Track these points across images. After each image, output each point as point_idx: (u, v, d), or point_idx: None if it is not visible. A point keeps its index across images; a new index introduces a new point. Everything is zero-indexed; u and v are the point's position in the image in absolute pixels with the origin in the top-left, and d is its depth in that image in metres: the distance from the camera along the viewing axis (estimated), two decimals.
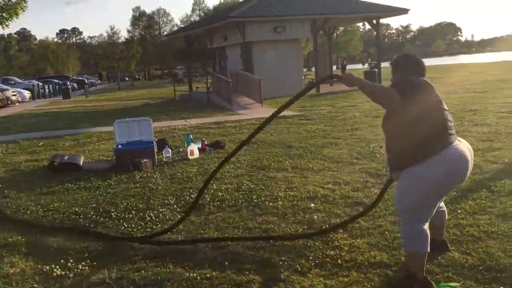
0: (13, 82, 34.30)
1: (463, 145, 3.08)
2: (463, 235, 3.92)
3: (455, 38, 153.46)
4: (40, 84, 35.16)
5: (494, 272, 3.25)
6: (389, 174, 3.37)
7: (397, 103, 2.92)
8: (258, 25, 19.84)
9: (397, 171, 3.15)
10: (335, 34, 71.31)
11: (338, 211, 4.68)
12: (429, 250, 3.09)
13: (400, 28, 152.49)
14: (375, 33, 24.30)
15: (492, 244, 3.69)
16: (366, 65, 68.59)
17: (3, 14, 13.91)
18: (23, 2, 15.06)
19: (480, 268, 3.33)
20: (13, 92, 26.28)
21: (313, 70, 32.39)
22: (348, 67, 39.40)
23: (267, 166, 6.76)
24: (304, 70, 40.71)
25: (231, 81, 17.01)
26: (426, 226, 3.10)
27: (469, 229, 4.02)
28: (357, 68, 57.91)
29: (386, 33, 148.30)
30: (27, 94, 29.70)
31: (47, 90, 35.03)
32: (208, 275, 3.49)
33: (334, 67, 40.93)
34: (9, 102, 24.63)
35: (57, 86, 36.44)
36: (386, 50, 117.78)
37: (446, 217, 3.64)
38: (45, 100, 30.43)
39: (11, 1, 14.76)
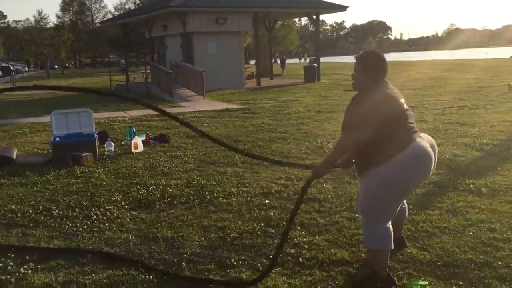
0: None
1: (425, 141, 3.10)
2: (417, 231, 3.98)
3: (385, 37, 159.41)
4: None
5: (451, 268, 3.32)
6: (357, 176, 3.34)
7: (369, 136, 2.90)
8: (199, 16, 19.49)
9: (362, 173, 3.12)
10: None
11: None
12: (392, 247, 3.09)
13: (335, 24, 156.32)
14: (311, 28, 24.77)
15: (446, 240, 3.78)
16: (302, 60, 69.66)
17: None
18: None
19: (438, 264, 3.39)
20: None
21: (252, 63, 32.44)
22: (286, 61, 39.77)
23: (217, 160, 6.61)
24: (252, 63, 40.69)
25: (172, 72, 16.59)
26: (389, 224, 3.10)
27: (423, 225, 4.10)
28: (293, 62, 58.76)
29: (322, 29, 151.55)
30: None
31: None
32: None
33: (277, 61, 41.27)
34: None
35: None
36: (322, 45, 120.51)
37: (407, 214, 3.68)
38: None
39: None
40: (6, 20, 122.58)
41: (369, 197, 3.06)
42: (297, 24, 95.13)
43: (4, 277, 3.34)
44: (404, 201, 3.58)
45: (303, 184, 3.51)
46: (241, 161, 6.53)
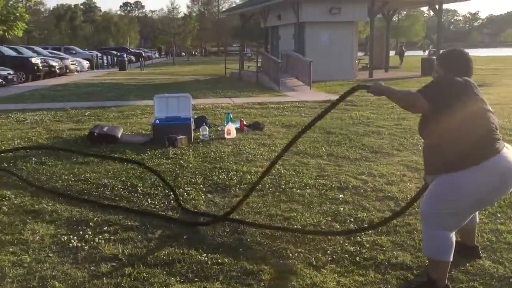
0: (74, 52, 35.38)
1: (510, 154, 2.78)
2: (498, 242, 3.61)
3: None
4: (99, 55, 36.18)
5: None
6: (424, 178, 3.12)
7: (424, 109, 2.74)
8: (313, 6, 19.35)
9: (432, 175, 2.90)
10: (396, 18, 69.02)
11: (367, 205, 4.45)
12: (451, 260, 2.84)
13: (468, 15, 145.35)
14: (443, 19, 23.11)
15: None
16: (427, 52, 66.03)
17: None
18: None
19: (511, 280, 3.05)
20: (73, 61, 27.16)
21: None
22: (407, 53, 37.95)
23: (303, 151, 6.57)
24: (361, 54, 39.65)
25: (280, 62, 16.73)
26: (453, 235, 2.84)
27: (507, 236, 3.71)
28: (416, 55, 55.84)
29: (452, 20, 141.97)
30: (85, 64, 30.65)
31: (105, 61, 35.99)
32: (219, 261, 3.40)
33: (393, 53, 39.65)
34: (67, 70, 25.48)
35: (115, 58, 37.31)
36: (451, 37, 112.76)
37: (477, 220, 3.35)
38: (102, 70, 31.27)
39: None
40: (143, 10, 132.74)
41: (434, 200, 2.83)
42: (425, 14, 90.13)
43: (80, 244, 3.67)
44: None
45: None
46: (327, 153, 6.42)
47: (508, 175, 2.74)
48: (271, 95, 14.08)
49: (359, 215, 4.20)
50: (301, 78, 16.98)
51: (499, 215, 4.14)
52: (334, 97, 13.02)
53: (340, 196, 4.72)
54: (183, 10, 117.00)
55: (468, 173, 2.69)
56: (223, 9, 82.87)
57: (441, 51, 3.08)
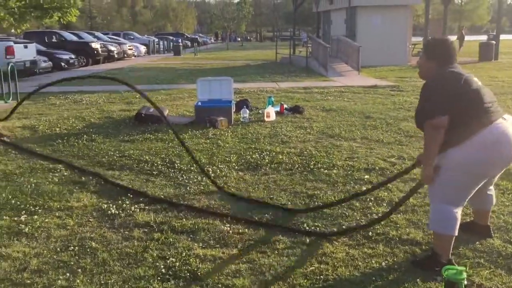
0: (132, 37, 36.65)
1: (507, 125, 2.87)
2: None
3: None
4: (156, 40, 37.27)
5: None
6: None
7: (446, 119, 2.81)
8: None
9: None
10: (459, 1, 66.11)
11: (390, 185, 4.56)
12: (455, 234, 2.96)
13: None
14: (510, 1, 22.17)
15: None
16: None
17: None
18: None
19: None
20: (130, 46, 28.22)
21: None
22: (470, 38, 36.44)
23: (337, 134, 6.70)
24: (418, 39, 38.49)
25: (329, 47, 16.69)
26: (458, 209, 2.96)
27: None
28: (478, 39, 53.49)
29: None
30: (142, 49, 31.73)
31: (161, 46, 37.06)
32: (240, 231, 3.67)
33: (454, 37, 38.15)
34: (125, 55, 26.53)
35: (171, 43, 38.32)
36: None
37: (493, 202, 3.41)
38: (158, 55, 32.24)
39: None
40: None
41: (440, 177, 2.96)
42: None
43: (117, 212, 4.05)
44: (491, 189, 3.34)
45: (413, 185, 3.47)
46: (361, 136, 6.53)
47: (501, 145, 2.82)
48: (318, 80, 14.14)
49: (380, 194, 4.34)
50: (350, 63, 16.89)
51: None
52: (382, 83, 12.95)
53: (366, 176, 4.86)
54: None
55: (461, 148, 2.82)
56: None
57: (427, 40, 3.20)
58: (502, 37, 21.62)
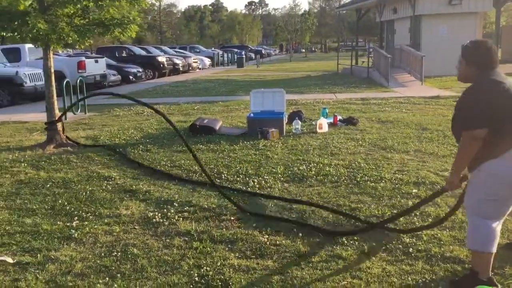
0: (198, 50, 37.82)
1: None
2: None
3: None
4: (220, 52, 38.16)
5: None
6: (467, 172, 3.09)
7: (485, 130, 2.72)
8: None
9: (473, 168, 2.90)
10: None
11: (439, 200, 4.39)
12: (494, 251, 2.82)
13: None
14: None
15: None
16: None
17: None
18: None
19: None
20: (195, 59, 29.10)
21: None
22: None
23: (390, 146, 6.54)
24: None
25: (390, 57, 16.31)
26: (496, 225, 2.81)
27: None
28: None
29: None
30: (207, 61, 32.60)
31: (226, 59, 37.87)
32: (278, 242, 3.68)
33: None
34: (190, 68, 27.37)
35: (235, 55, 39.08)
36: None
37: None
38: (222, 68, 32.95)
39: None
40: (267, 8, 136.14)
41: (475, 190, 2.86)
42: None
43: (161, 220, 4.19)
44: None
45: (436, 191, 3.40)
46: (414, 149, 6.33)
47: None
48: (378, 91, 13.86)
49: (426, 209, 4.19)
50: (413, 73, 16.41)
51: None
52: (445, 93, 12.50)
53: (414, 191, 4.71)
54: (304, 7, 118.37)
55: (499, 160, 2.72)
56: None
57: (466, 43, 3.01)
58: None
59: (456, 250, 3.41)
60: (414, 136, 7.15)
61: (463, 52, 2.94)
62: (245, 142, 7.05)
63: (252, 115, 7.84)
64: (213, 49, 44.74)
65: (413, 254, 3.39)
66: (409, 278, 3.06)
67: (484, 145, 2.74)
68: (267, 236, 3.79)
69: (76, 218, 4.28)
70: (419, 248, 3.47)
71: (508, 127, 2.71)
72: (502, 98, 2.74)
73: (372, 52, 19.74)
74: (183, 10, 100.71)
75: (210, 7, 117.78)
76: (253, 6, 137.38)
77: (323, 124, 7.75)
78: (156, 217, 4.26)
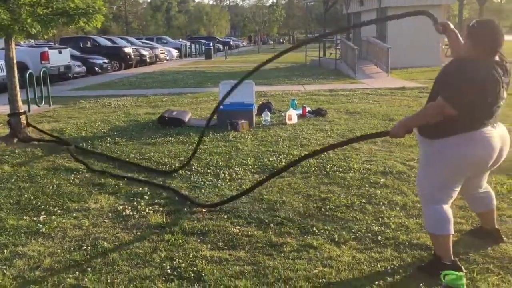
0: (165, 41, 37.30)
1: (496, 132, 2.86)
2: None
3: None
4: (188, 44, 37.78)
5: None
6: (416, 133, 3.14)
7: (452, 111, 2.72)
8: None
9: (424, 139, 2.98)
10: (499, 0, 64.23)
11: (406, 189, 4.51)
12: (451, 232, 2.92)
13: None
14: None
15: None
16: None
17: None
18: None
19: None
20: (162, 50, 28.71)
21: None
22: (508, 38, 35.24)
23: None
24: None
25: (357, 48, 16.52)
26: (447, 207, 2.93)
27: None
28: None
29: None
30: (174, 52, 32.21)
31: (193, 50, 37.52)
32: (249, 233, 3.70)
33: None
34: (157, 59, 27.00)
35: (203, 47, 38.76)
36: None
37: (492, 205, 3.32)
38: (190, 59, 32.67)
39: None
40: None
41: (426, 175, 2.98)
42: None
43: (132, 213, 4.15)
44: (485, 190, 3.26)
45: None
46: (382, 140, 6.45)
47: (485, 148, 2.82)
48: (345, 82, 14.04)
49: (394, 198, 4.29)
50: (379, 65, 16.69)
51: None
52: (411, 85, 12.75)
53: (382, 180, 4.80)
54: None
55: (453, 139, 2.79)
56: None
57: (471, 22, 2.98)
58: None
59: (422, 237, 3.50)
60: (381, 126, 7.29)
61: (471, 34, 2.78)
62: (215, 134, 7.04)
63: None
64: (180, 40, 44.24)
65: (381, 242, 3.47)
66: (379, 265, 3.13)
67: (447, 120, 2.77)
68: (239, 227, 3.81)
69: (43, 212, 4.19)
70: (387, 236, 3.56)
71: (474, 114, 2.77)
72: (485, 90, 2.73)
73: (340, 44, 19.93)
74: (149, 0, 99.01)
75: None
76: None
77: (293, 115, 7.80)
78: (126, 210, 4.21)
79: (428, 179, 2.94)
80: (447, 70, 2.84)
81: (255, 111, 7.82)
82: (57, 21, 6.63)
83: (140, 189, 4.76)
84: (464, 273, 2.54)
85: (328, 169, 5.20)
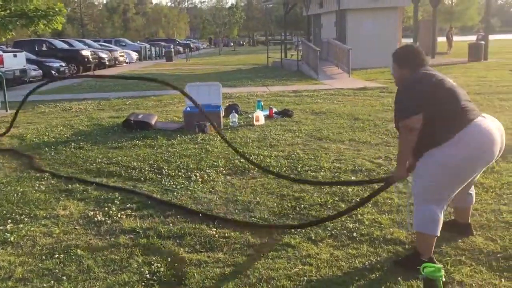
0: (124, 44, 36.63)
1: (487, 122, 2.91)
2: (496, 221, 3.71)
3: None
4: (148, 46, 37.28)
5: None
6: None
7: (420, 119, 2.85)
8: None
9: (419, 157, 3.05)
10: (449, 2, 66.51)
11: (376, 186, 4.58)
12: (437, 234, 2.99)
13: None
14: (501, 1, 22.21)
15: None
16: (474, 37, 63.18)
17: None
18: None
19: (498, 255, 3.17)
20: (121, 53, 28.21)
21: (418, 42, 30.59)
22: (457, 38, 36.66)
23: (326, 137, 6.73)
24: (409, 40, 38.70)
25: (319, 50, 16.76)
26: (440, 209, 2.99)
27: (506, 216, 3.79)
28: (468, 40, 53.90)
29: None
30: (134, 55, 31.73)
31: (153, 53, 37.06)
32: (226, 235, 3.69)
33: (442, 39, 38.36)
34: (116, 62, 26.53)
35: (163, 49, 38.33)
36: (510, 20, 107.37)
37: (473, 201, 3.46)
38: (150, 62, 32.25)
39: None
40: (193, 1, 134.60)
41: (420, 177, 3.00)
42: None
43: (103, 219, 4.06)
44: (472, 188, 3.38)
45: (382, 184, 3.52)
46: (349, 138, 6.56)
47: (485, 140, 2.86)
48: (308, 83, 14.20)
49: (365, 195, 4.36)
50: (340, 66, 16.97)
51: (504, 196, 4.20)
52: (372, 85, 13.03)
53: (352, 178, 4.89)
54: (231, 0, 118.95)
55: (442, 148, 2.86)
56: None
57: (395, 50, 3.24)
58: (493, 37, 21.76)
59: (396, 232, 3.59)
60: (347, 126, 7.41)
61: (395, 58, 3.14)
62: (183, 137, 6.98)
63: (188, 109, 7.75)
64: (138, 42, 43.60)
65: (357, 238, 3.53)
66: (356, 261, 3.19)
67: (424, 136, 2.88)
68: (215, 229, 3.78)
69: (10, 221, 4.04)
70: (362, 232, 3.62)
71: (445, 115, 2.88)
72: (434, 87, 2.91)
73: (301, 46, 20.14)
74: (105, 2, 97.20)
75: None
76: None
77: (260, 116, 7.83)
78: (98, 216, 4.11)
79: (422, 179, 2.98)
80: (395, 96, 3.10)
81: (222, 113, 7.80)
82: (15, 23, 6.42)
83: (110, 194, 4.67)
84: (442, 266, 2.61)
85: (299, 169, 5.25)
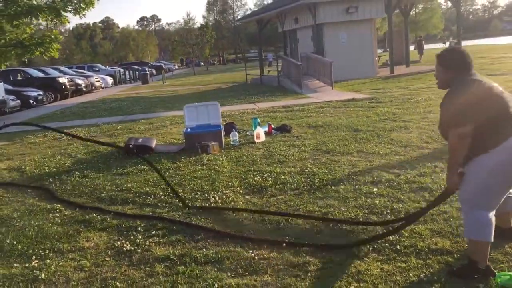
0: (97, 69, 36.26)
1: None
2: None
3: None
4: (122, 70, 36.95)
5: None
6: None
7: (471, 128, 2.84)
8: (329, 6, 19.47)
9: (467, 162, 3.03)
10: (413, 12, 68.37)
11: (402, 196, 4.59)
12: (491, 240, 2.97)
13: (487, 3, 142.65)
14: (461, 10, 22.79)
15: None
16: (447, 44, 64.92)
17: (81, 4, 14.28)
18: None
19: None
20: (97, 78, 27.88)
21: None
22: (426, 46, 37.57)
23: (332, 149, 6.72)
24: (380, 51, 39.44)
25: (301, 64, 16.89)
26: (491, 215, 2.97)
27: None
28: (436, 47, 55.17)
29: (471, 9, 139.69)
30: (109, 80, 31.38)
31: (127, 76, 36.73)
32: (265, 255, 3.59)
33: (412, 47, 39.30)
34: (93, 87, 26.18)
35: (136, 72, 38.05)
36: (471, 27, 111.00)
37: None
38: (126, 85, 31.93)
39: None
40: (160, 23, 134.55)
41: (471, 182, 2.98)
42: (443, 6, 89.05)
43: (132, 248, 3.91)
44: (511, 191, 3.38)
45: (438, 194, 3.48)
46: (356, 150, 6.56)
47: None
48: (295, 98, 14.25)
49: (395, 206, 4.34)
50: (322, 79, 17.11)
51: None
52: (359, 96, 13.15)
53: (374, 189, 4.86)
54: (199, 20, 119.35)
55: (491, 154, 2.86)
56: (239, 17, 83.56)
57: (440, 52, 3.23)
58: (463, 43, 22.32)
59: (439, 242, 3.55)
60: (350, 138, 7.42)
61: (441, 61, 3.10)
62: (187, 158, 6.85)
63: (189, 130, 7.65)
64: (109, 67, 43.16)
65: (402, 251, 3.47)
66: (410, 274, 3.13)
67: (474, 142, 2.88)
68: (251, 251, 3.68)
69: (34, 257, 3.85)
70: (405, 244, 3.57)
71: (494, 122, 2.88)
72: (485, 94, 2.91)
73: (281, 61, 20.27)
74: (71, 28, 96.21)
75: (100, 24, 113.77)
76: (145, 22, 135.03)
77: (261, 133, 7.78)
78: (125, 245, 3.96)
79: (472, 184, 2.97)
80: (443, 102, 3.05)
81: (223, 132, 7.72)
82: (10, 53, 6.25)
83: (131, 222, 4.51)
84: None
85: (317, 184, 5.19)
